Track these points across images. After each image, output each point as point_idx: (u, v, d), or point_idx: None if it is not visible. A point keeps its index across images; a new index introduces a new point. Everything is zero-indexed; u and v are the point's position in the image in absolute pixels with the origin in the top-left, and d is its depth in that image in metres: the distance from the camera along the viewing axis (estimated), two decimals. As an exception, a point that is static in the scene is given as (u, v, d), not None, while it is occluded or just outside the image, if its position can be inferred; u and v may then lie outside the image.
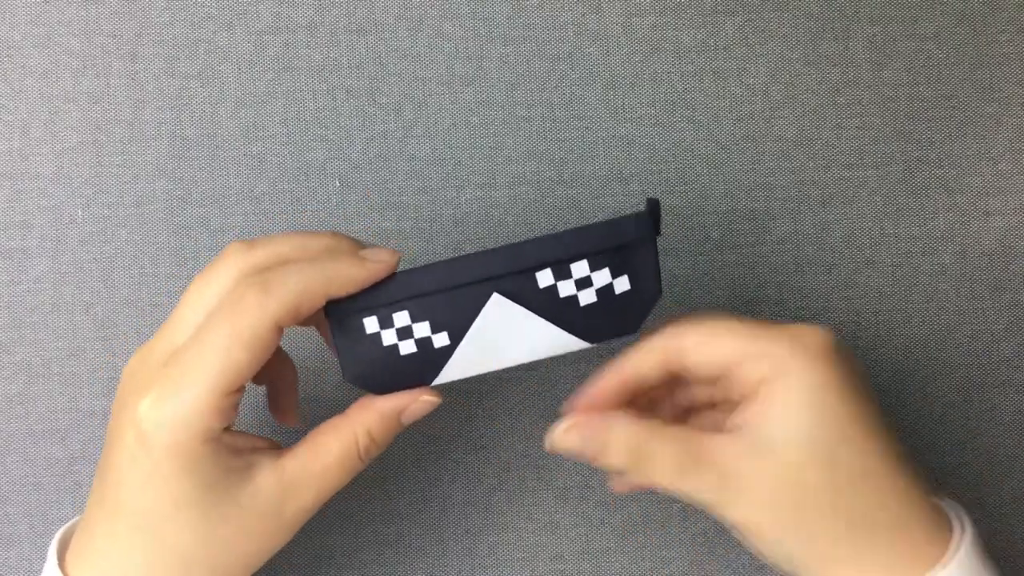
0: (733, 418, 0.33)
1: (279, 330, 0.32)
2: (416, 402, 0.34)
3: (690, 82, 0.47)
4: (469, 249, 0.46)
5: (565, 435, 0.34)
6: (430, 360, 0.34)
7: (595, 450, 0.33)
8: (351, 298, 0.33)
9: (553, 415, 0.45)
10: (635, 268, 0.33)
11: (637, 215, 0.33)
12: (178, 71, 0.45)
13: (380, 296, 0.33)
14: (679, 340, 0.33)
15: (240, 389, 0.32)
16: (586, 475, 0.45)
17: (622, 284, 0.33)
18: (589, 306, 0.33)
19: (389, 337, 0.33)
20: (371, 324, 0.33)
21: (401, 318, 0.33)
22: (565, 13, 0.47)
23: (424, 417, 0.35)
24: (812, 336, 0.32)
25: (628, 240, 0.33)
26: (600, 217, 0.46)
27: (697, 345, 0.33)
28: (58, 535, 0.35)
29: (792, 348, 0.32)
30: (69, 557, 0.34)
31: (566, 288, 0.33)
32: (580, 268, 0.33)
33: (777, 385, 0.32)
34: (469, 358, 0.34)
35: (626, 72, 0.47)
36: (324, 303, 0.33)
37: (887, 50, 0.48)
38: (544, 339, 0.34)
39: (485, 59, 0.46)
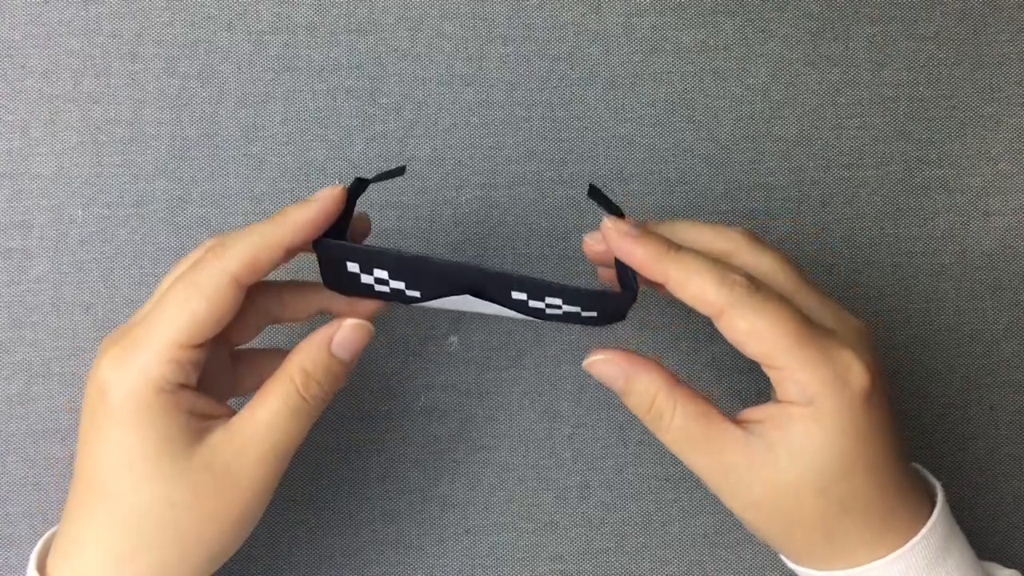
0: (752, 413, 0.34)
1: (238, 286, 0.32)
2: (342, 328, 0.34)
3: (690, 82, 0.47)
4: (469, 250, 0.46)
5: (602, 364, 0.35)
6: (401, 299, 0.36)
7: (620, 388, 0.35)
8: (336, 247, 0.34)
9: (553, 415, 0.45)
10: (606, 310, 0.35)
11: (630, 297, 0.34)
12: (178, 71, 0.45)
13: (362, 258, 0.34)
14: (732, 319, 0.33)
15: (201, 346, 0.32)
16: (586, 475, 0.45)
17: (590, 314, 0.35)
18: (554, 315, 0.35)
19: (367, 279, 0.35)
20: (353, 267, 0.34)
21: (380, 272, 0.34)
22: (565, 13, 0.47)
23: (364, 353, 0.35)
24: (857, 376, 0.32)
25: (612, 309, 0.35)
26: (599, 216, 0.46)
27: (747, 336, 0.32)
28: (44, 538, 0.35)
29: (834, 388, 0.32)
30: (50, 556, 0.33)
31: (536, 303, 0.35)
32: (554, 300, 0.34)
33: (804, 415, 0.32)
34: (438, 303, 0.36)
35: (626, 72, 0.47)
36: (284, 253, 0.33)
37: (887, 50, 0.48)
38: (509, 313, 0.36)
39: (485, 59, 0.46)
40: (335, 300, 0.37)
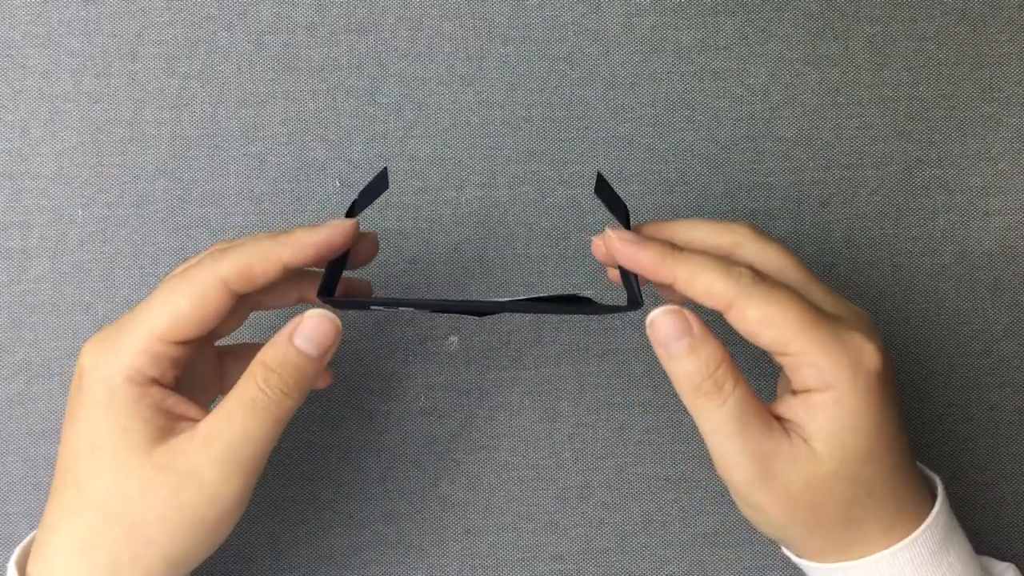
0: (780, 407, 0.34)
1: (227, 290, 0.32)
2: (303, 319, 0.33)
3: (690, 82, 0.47)
4: (469, 250, 0.46)
5: (674, 315, 0.33)
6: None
7: (683, 347, 0.33)
8: (341, 303, 0.35)
9: (553, 415, 0.45)
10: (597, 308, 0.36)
11: (634, 307, 0.35)
12: (178, 71, 0.45)
13: (363, 307, 0.36)
14: (742, 309, 0.32)
15: (183, 344, 0.32)
16: (586, 475, 0.45)
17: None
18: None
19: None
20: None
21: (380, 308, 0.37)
22: (565, 13, 0.47)
23: (336, 347, 0.34)
24: (870, 357, 0.32)
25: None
26: (600, 216, 0.46)
27: (759, 324, 0.32)
28: (29, 537, 0.34)
29: (850, 368, 0.32)
30: (33, 544, 0.33)
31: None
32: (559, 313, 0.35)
33: (826, 402, 0.32)
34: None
35: (626, 72, 0.47)
36: (281, 269, 0.33)
37: (887, 50, 0.48)
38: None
39: (485, 59, 0.46)
40: (316, 283, 0.37)
